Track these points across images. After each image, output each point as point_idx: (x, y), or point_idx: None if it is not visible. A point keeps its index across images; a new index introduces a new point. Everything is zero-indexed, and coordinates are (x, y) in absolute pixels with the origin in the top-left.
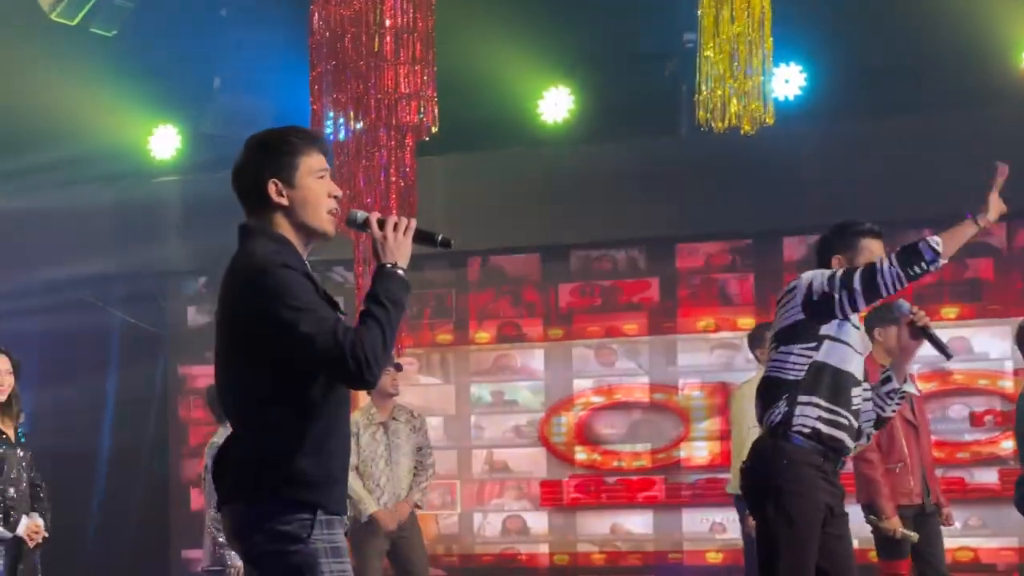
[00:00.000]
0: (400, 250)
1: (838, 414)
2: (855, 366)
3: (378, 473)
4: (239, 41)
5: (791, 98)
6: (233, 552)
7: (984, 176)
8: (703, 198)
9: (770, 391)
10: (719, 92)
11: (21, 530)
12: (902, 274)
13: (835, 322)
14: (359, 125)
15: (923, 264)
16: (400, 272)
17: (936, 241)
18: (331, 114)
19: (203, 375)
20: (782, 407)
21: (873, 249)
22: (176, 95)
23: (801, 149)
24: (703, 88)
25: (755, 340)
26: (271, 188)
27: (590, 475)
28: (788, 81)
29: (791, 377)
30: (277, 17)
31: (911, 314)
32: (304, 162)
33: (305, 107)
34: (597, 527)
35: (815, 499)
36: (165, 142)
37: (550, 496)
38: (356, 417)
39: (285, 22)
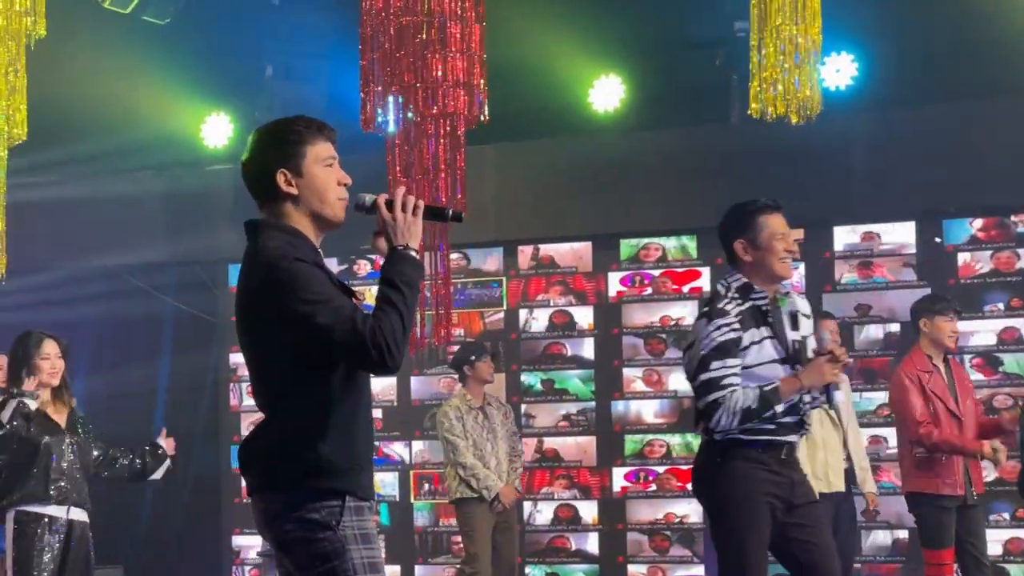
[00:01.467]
0: (411, 231)
1: (754, 426)
2: (771, 374)
3: (487, 456)
4: (291, 29)
5: (842, 87)
6: None
7: None
8: (754, 187)
9: (694, 413)
10: (770, 82)
11: (159, 473)
12: (737, 423)
13: (741, 353)
14: (409, 114)
15: (756, 416)
16: (412, 253)
17: (779, 406)
18: (381, 102)
19: None
20: (703, 430)
21: (772, 224)
22: (228, 83)
23: (852, 138)
24: (755, 77)
25: None
26: (280, 178)
27: (640, 464)
28: (839, 70)
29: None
30: (329, 5)
31: (828, 348)
32: (311, 150)
33: (356, 95)
34: (647, 515)
35: (750, 490)
36: (217, 130)
37: (600, 485)
38: (456, 403)
39: (336, 10)
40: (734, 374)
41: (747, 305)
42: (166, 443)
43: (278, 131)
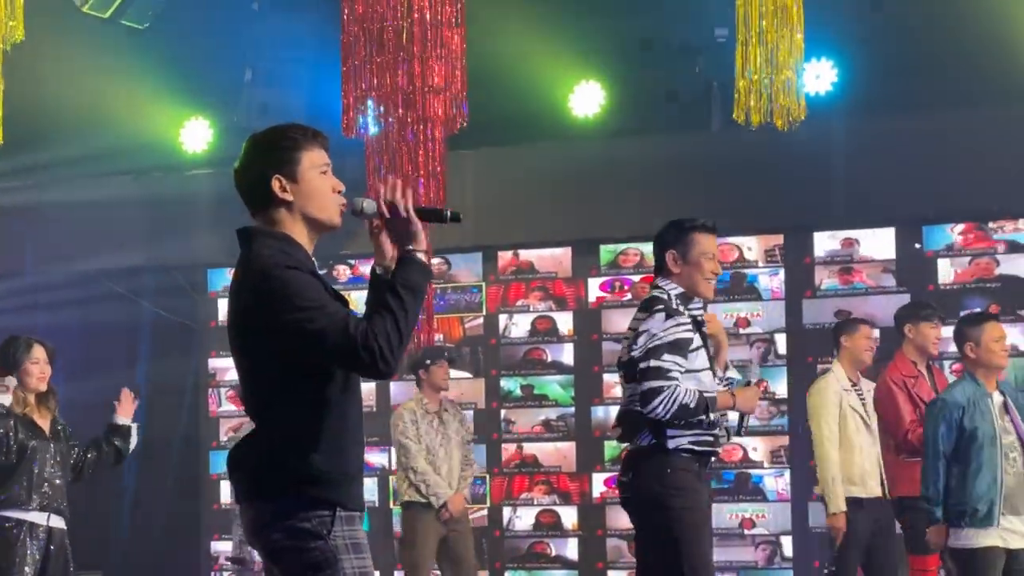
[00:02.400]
0: (413, 233)
1: (702, 434)
2: (709, 383)
3: (439, 462)
4: (271, 34)
5: (822, 93)
6: None
7: (1015, 173)
8: (733, 193)
9: (631, 422)
10: (755, 87)
11: (134, 443)
12: (669, 416)
13: (689, 355)
14: (390, 119)
15: (690, 421)
16: (418, 256)
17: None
18: (362, 108)
19: (234, 368)
20: (647, 436)
21: (703, 243)
22: (208, 88)
23: (832, 144)
24: (739, 83)
25: None
26: (275, 184)
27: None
28: (819, 77)
29: None
30: (309, 10)
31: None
32: (306, 157)
33: (336, 100)
34: (626, 522)
35: (700, 499)
36: (196, 135)
37: (579, 490)
38: (411, 406)
39: (317, 15)
40: (679, 371)
41: (687, 313)
42: (123, 410)
43: (272, 138)
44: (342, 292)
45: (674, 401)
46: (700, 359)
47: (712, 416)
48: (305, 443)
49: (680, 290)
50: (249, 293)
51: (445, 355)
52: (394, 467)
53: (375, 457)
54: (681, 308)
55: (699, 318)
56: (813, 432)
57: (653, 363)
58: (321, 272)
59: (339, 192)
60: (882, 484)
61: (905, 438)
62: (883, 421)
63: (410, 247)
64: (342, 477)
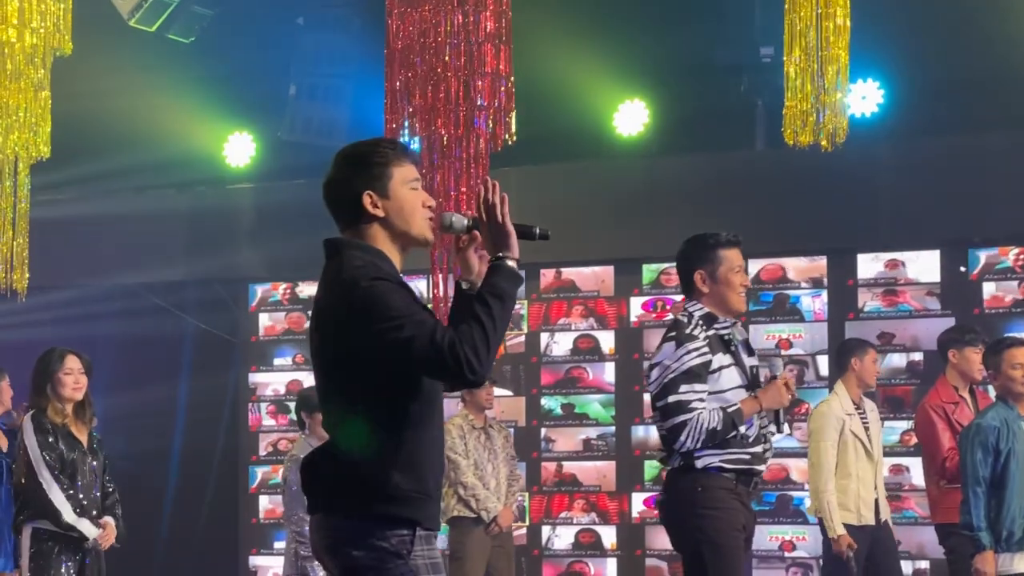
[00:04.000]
0: (506, 237)
1: (734, 453)
2: (738, 399)
3: (487, 476)
4: (316, 49)
5: (868, 115)
6: (317, 564)
7: None
8: (777, 214)
9: (665, 444)
10: (803, 107)
11: (91, 534)
12: (700, 445)
13: (710, 377)
14: (433, 135)
15: (720, 437)
16: (508, 263)
17: (740, 421)
18: (407, 124)
19: (274, 382)
20: (678, 457)
21: (731, 258)
22: (252, 102)
23: (877, 165)
24: (788, 103)
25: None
26: (366, 200)
27: (659, 490)
28: (865, 98)
29: None
30: (354, 26)
31: (783, 376)
32: (397, 172)
33: (380, 116)
34: (666, 542)
35: (733, 520)
36: (240, 149)
37: (618, 510)
38: (458, 422)
39: (362, 31)
40: (701, 399)
41: (711, 332)
42: (104, 537)
43: (364, 153)
44: None
45: (700, 430)
46: (728, 378)
47: (743, 429)
48: (385, 460)
49: (705, 311)
50: (337, 305)
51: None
52: None
53: None
54: (698, 332)
55: (726, 336)
56: (810, 457)
57: (672, 399)
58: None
59: (429, 207)
60: (876, 510)
61: (943, 465)
62: (923, 449)
63: (501, 254)
64: (422, 496)
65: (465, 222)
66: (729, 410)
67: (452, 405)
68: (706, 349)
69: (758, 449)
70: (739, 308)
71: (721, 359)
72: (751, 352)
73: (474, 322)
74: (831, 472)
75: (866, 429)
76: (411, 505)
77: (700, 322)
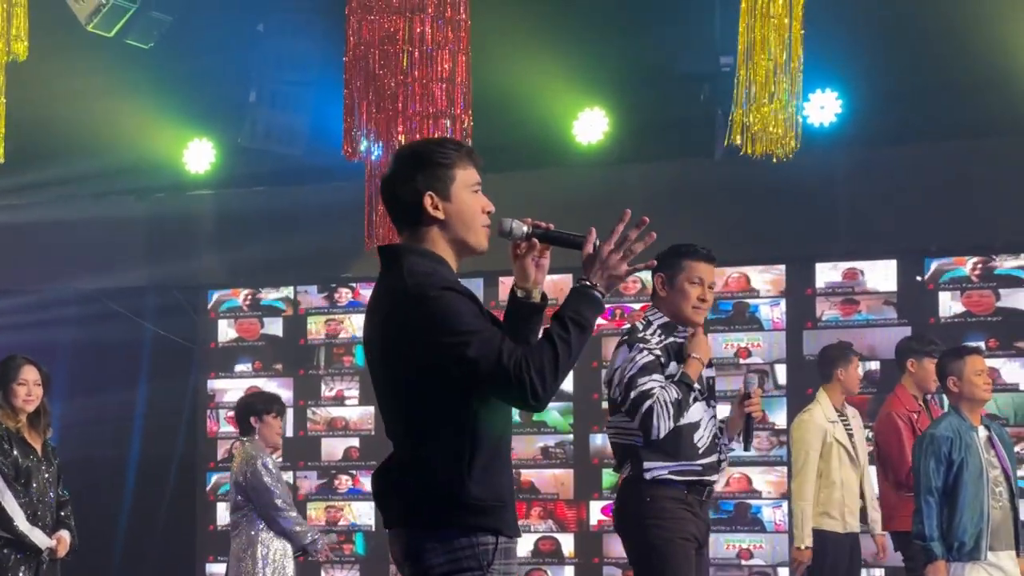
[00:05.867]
0: (604, 269)
1: (683, 464)
2: (693, 411)
3: None
4: (275, 56)
5: (826, 124)
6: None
7: (1019, 206)
8: (737, 223)
9: (616, 453)
10: (751, 117)
11: (43, 544)
12: (673, 422)
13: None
14: (392, 143)
15: (686, 407)
16: (597, 295)
17: (692, 380)
18: (365, 131)
19: (232, 389)
20: (629, 468)
21: (694, 269)
22: (211, 109)
23: (836, 175)
24: (738, 111)
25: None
26: (427, 201)
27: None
28: (823, 107)
29: (629, 442)
30: (314, 32)
31: (748, 399)
32: (460, 175)
33: (339, 123)
34: (623, 550)
35: (680, 529)
36: (200, 155)
37: (576, 518)
38: None
39: (322, 38)
40: (661, 385)
41: (668, 340)
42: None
43: (428, 153)
44: (341, 316)
45: (668, 410)
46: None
47: (692, 383)
48: (461, 470)
49: (665, 319)
50: (405, 315)
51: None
52: None
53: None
54: (651, 336)
55: (681, 343)
56: (793, 465)
57: (634, 394)
58: (322, 294)
59: (488, 213)
60: (863, 517)
61: (908, 474)
62: (884, 455)
63: (589, 282)
64: (498, 504)
65: (525, 229)
66: (676, 378)
67: None
68: (657, 351)
69: (711, 459)
70: (691, 319)
71: (674, 367)
72: (709, 364)
73: (547, 344)
74: (812, 482)
75: (850, 436)
76: (489, 514)
77: (658, 329)
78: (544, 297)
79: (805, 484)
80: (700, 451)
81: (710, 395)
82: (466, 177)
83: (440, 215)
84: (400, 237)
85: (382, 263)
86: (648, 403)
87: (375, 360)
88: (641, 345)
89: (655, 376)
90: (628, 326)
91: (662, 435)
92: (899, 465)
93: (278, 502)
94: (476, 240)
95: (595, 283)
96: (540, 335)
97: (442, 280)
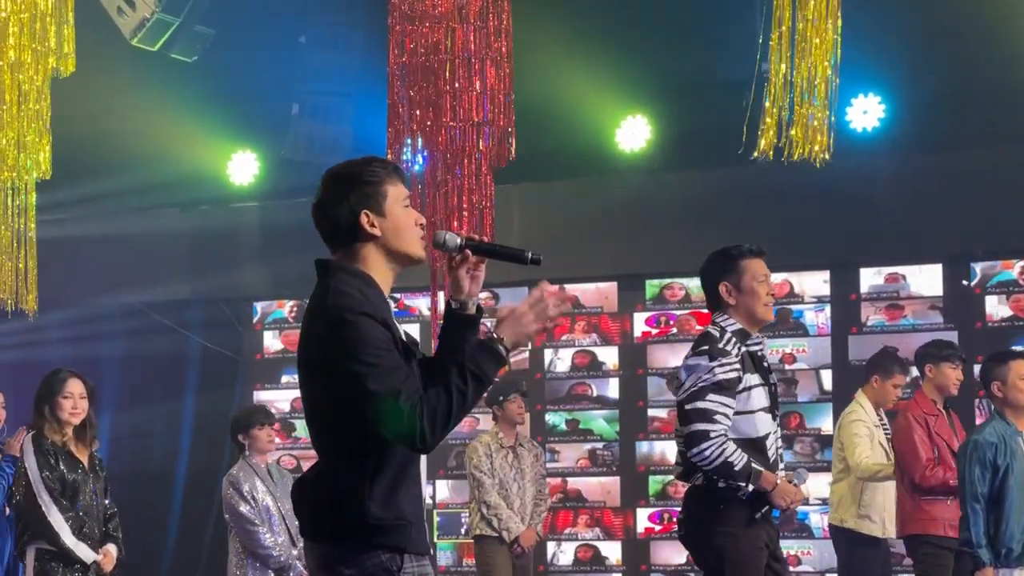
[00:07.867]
0: (517, 328)
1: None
2: (765, 424)
3: (512, 496)
4: (318, 68)
5: (869, 129)
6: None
7: None
8: (780, 228)
9: (684, 462)
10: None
11: (89, 558)
12: (711, 468)
13: (740, 396)
14: (435, 153)
15: (728, 478)
16: (501, 349)
17: (752, 483)
18: (408, 142)
19: (278, 400)
20: (701, 477)
21: (755, 268)
22: (255, 121)
23: (878, 179)
24: (767, 118)
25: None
26: (363, 219)
27: (664, 505)
28: (866, 112)
29: None
30: (356, 44)
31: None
32: (391, 191)
33: (382, 134)
34: (670, 557)
35: (755, 538)
36: (244, 168)
37: (623, 525)
38: (486, 440)
39: (364, 49)
40: (726, 414)
41: (744, 350)
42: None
43: (357, 173)
44: None
45: (722, 454)
46: (755, 399)
47: (751, 487)
48: (362, 490)
49: (738, 326)
50: (321, 332)
51: (519, 388)
52: (439, 500)
53: None
54: (730, 348)
55: (758, 353)
56: (848, 459)
57: (699, 405)
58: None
59: (420, 225)
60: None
61: (922, 477)
62: (899, 456)
63: (501, 336)
64: (399, 523)
65: (458, 240)
66: (754, 466)
67: (485, 421)
68: (738, 365)
69: (780, 469)
70: (766, 318)
71: (751, 378)
72: (769, 371)
73: (444, 393)
74: (867, 456)
75: (889, 442)
76: (390, 533)
77: (732, 338)
78: (479, 309)
79: (867, 463)
80: (771, 460)
81: (774, 405)
82: (396, 192)
83: (377, 232)
84: (334, 256)
85: (317, 276)
86: (707, 427)
87: (299, 371)
88: (722, 359)
89: (725, 399)
90: (703, 331)
91: (699, 461)
92: (911, 467)
93: (248, 526)
94: (415, 250)
95: (503, 338)
96: (438, 380)
97: (361, 305)
